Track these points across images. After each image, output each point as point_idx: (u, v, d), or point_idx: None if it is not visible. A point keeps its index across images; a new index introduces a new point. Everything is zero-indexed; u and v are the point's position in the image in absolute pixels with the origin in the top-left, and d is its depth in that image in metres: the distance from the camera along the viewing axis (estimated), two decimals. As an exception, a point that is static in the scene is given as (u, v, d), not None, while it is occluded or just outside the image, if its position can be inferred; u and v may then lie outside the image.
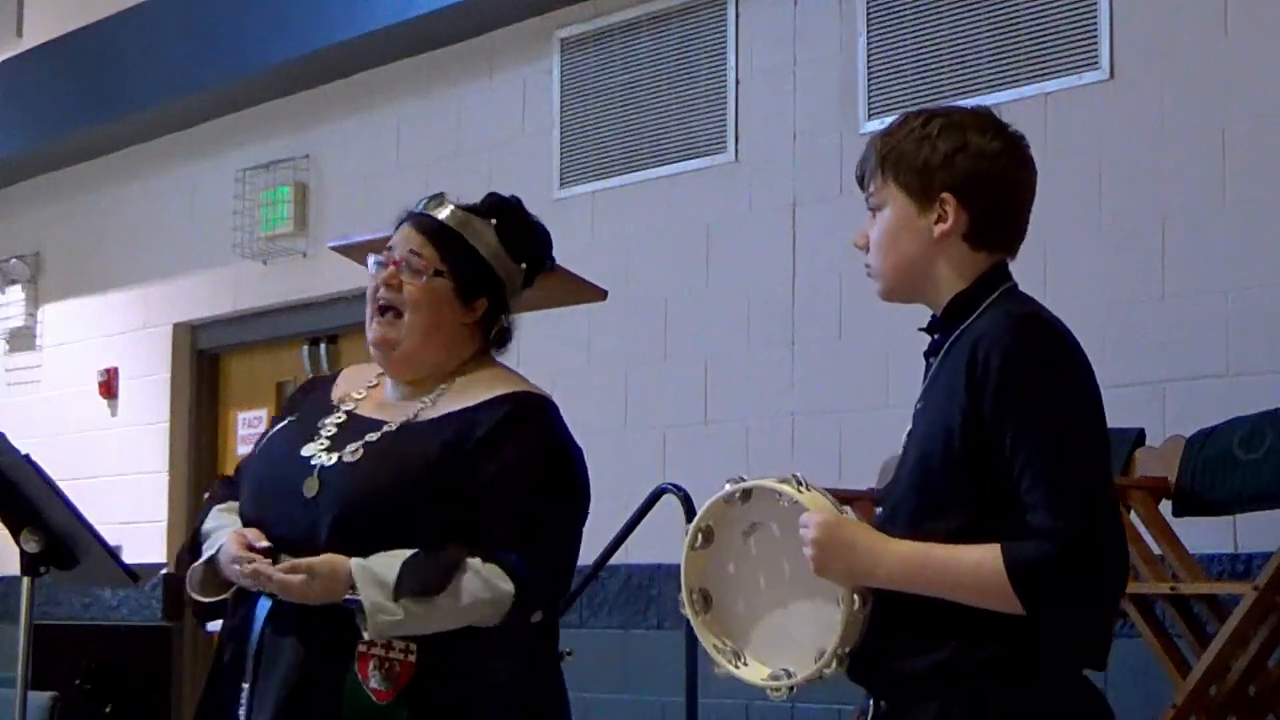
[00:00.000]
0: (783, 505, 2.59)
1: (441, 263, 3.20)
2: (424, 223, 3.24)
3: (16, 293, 10.18)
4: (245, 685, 3.07)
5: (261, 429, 8.85)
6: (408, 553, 2.98)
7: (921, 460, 2.55)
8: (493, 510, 3.04)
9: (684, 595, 2.68)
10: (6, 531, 3.65)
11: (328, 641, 3.02)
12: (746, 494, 2.63)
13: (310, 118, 8.59)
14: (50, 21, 9.87)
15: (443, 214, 3.25)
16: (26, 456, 3.50)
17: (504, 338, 3.33)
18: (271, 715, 3.02)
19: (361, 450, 3.11)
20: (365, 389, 3.28)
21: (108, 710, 7.53)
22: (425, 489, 3.04)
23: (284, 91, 8.62)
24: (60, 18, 9.74)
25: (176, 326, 9.31)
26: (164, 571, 8.67)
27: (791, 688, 2.57)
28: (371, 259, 3.26)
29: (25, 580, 3.58)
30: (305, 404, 3.31)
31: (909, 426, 2.64)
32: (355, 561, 2.98)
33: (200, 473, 9.17)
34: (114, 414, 9.57)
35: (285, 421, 3.27)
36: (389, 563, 2.97)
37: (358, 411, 3.22)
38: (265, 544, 3.05)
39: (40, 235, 10.18)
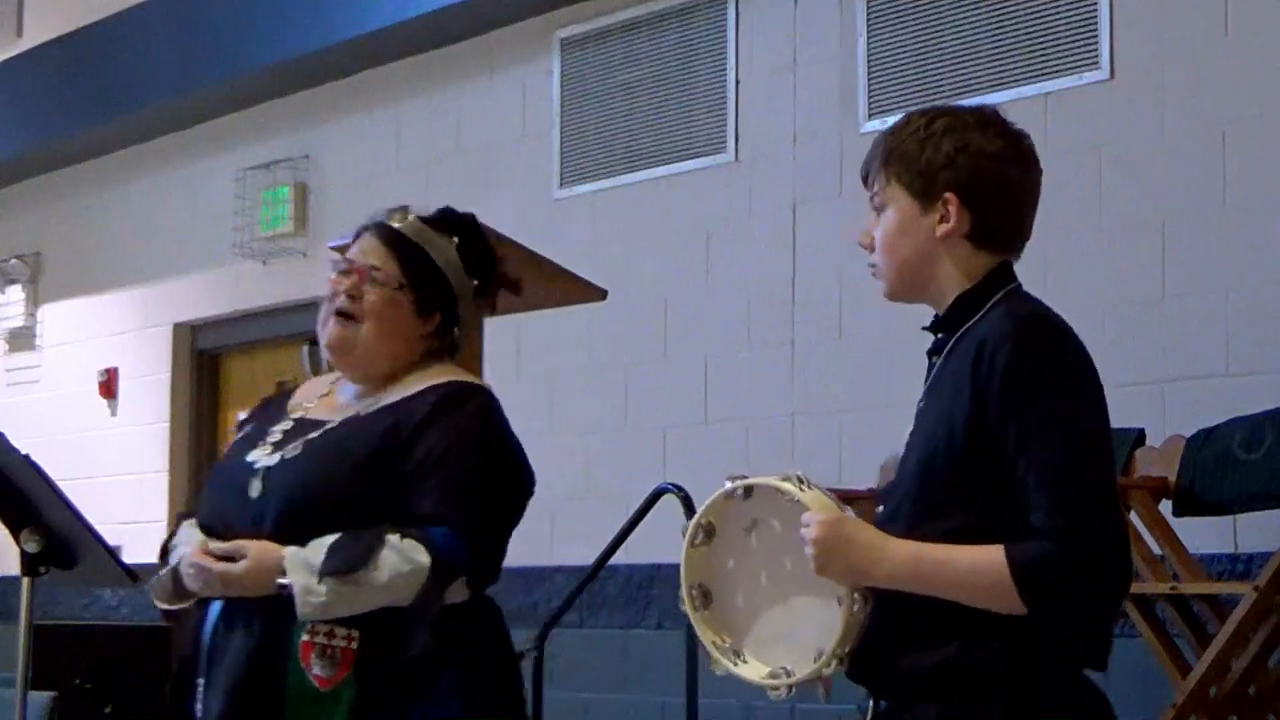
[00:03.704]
0: (784, 504, 2.58)
1: (403, 276, 3.29)
2: (388, 234, 3.33)
3: (16, 293, 10.18)
4: (200, 680, 3.18)
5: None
6: (334, 537, 3.08)
7: (924, 460, 2.55)
8: (420, 489, 3.11)
9: (683, 591, 2.67)
10: (6, 531, 3.65)
11: (272, 634, 3.10)
12: (748, 491, 2.62)
13: (310, 118, 8.59)
14: (50, 21, 9.87)
15: (405, 226, 3.33)
16: (26, 456, 3.49)
17: (455, 348, 3.40)
18: (221, 707, 3.11)
19: (301, 447, 3.21)
20: (318, 397, 3.38)
21: (108, 710, 7.52)
22: (364, 476, 3.13)
23: (284, 91, 8.62)
24: (60, 18, 9.75)
25: (176, 326, 9.31)
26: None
27: (790, 687, 2.56)
28: (333, 262, 3.34)
29: (25, 580, 3.57)
30: (262, 416, 3.42)
31: (911, 426, 2.63)
32: (288, 549, 3.08)
33: (200, 473, 9.17)
34: (114, 414, 9.57)
35: (241, 434, 3.38)
36: (319, 547, 3.07)
37: (308, 416, 3.32)
38: (222, 549, 3.14)
39: (40, 235, 10.18)
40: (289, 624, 3.08)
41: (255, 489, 3.18)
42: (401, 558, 3.04)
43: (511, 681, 3.26)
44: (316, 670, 3.07)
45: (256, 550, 3.09)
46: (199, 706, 3.17)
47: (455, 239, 3.35)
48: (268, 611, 3.10)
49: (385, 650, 3.09)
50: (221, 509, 3.23)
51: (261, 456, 3.23)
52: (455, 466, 3.13)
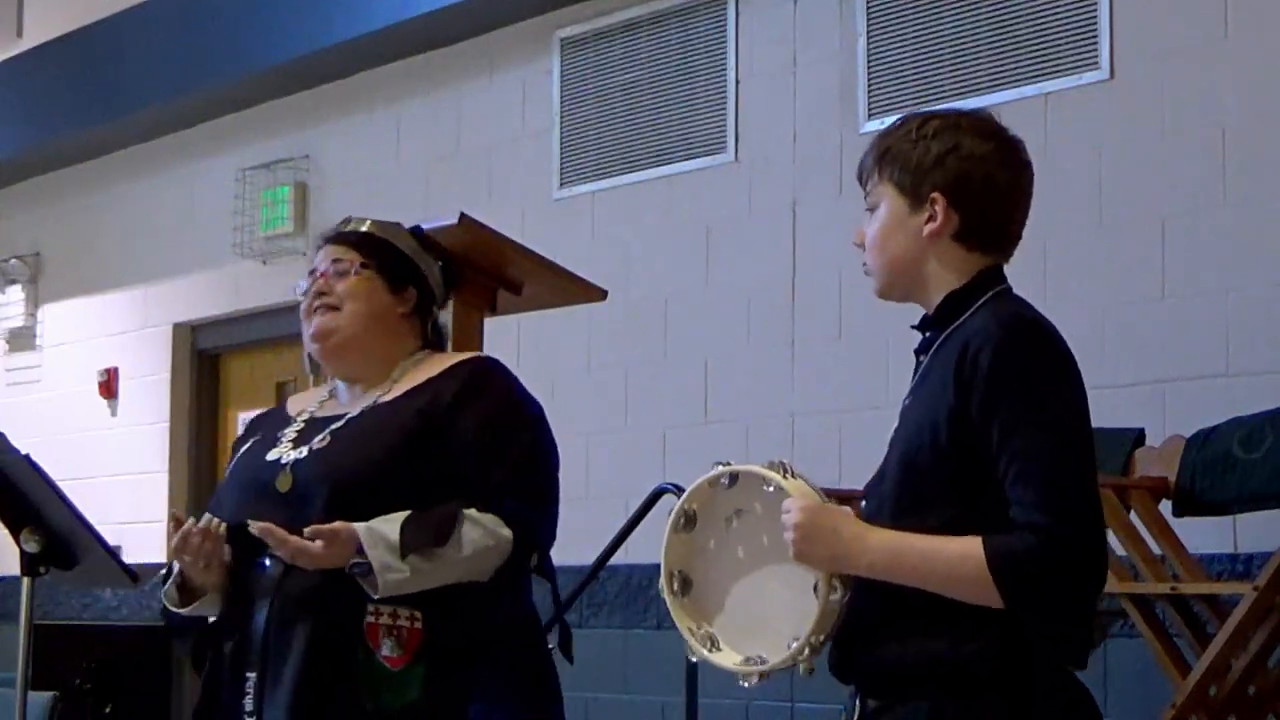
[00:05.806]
0: (767, 491, 2.59)
1: (365, 259, 3.37)
2: (339, 236, 3.44)
3: (16, 293, 10.18)
4: (251, 675, 3.11)
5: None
6: (404, 514, 3.06)
7: (908, 456, 2.56)
8: (480, 463, 3.15)
9: (663, 577, 2.69)
10: (6, 531, 3.65)
11: (336, 620, 3.07)
12: (733, 478, 2.63)
13: (310, 118, 8.59)
14: (50, 21, 9.87)
15: (357, 225, 3.45)
16: (26, 456, 3.50)
17: (441, 336, 3.47)
18: (290, 699, 3.06)
19: (329, 437, 3.21)
20: (319, 401, 3.39)
21: (108, 710, 7.52)
22: (402, 456, 3.14)
23: (284, 91, 8.62)
24: (61, 17, 9.74)
25: (176, 326, 9.31)
26: (164, 571, 8.67)
27: (763, 674, 2.57)
28: (299, 285, 3.46)
29: (25, 580, 3.58)
30: (265, 426, 3.41)
31: (895, 423, 2.65)
32: (360, 525, 3.04)
33: (200, 473, 9.17)
34: (114, 414, 9.57)
35: (249, 443, 3.37)
36: (390, 524, 3.05)
37: (317, 415, 3.32)
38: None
39: (40, 235, 10.18)
40: (352, 608, 3.06)
41: (284, 483, 3.16)
42: (485, 532, 3.09)
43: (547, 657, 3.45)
44: (385, 651, 3.07)
45: (340, 528, 3.03)
46: (248, 700, 3.11)
47: (404, 227, 3.45)
48: (327, 599, 3.07)
49: (449, 627, 3.11)
50: (248, 507, 3.17)
51: (284, 454, 3.22)
52: (512, 440, 3.18)
